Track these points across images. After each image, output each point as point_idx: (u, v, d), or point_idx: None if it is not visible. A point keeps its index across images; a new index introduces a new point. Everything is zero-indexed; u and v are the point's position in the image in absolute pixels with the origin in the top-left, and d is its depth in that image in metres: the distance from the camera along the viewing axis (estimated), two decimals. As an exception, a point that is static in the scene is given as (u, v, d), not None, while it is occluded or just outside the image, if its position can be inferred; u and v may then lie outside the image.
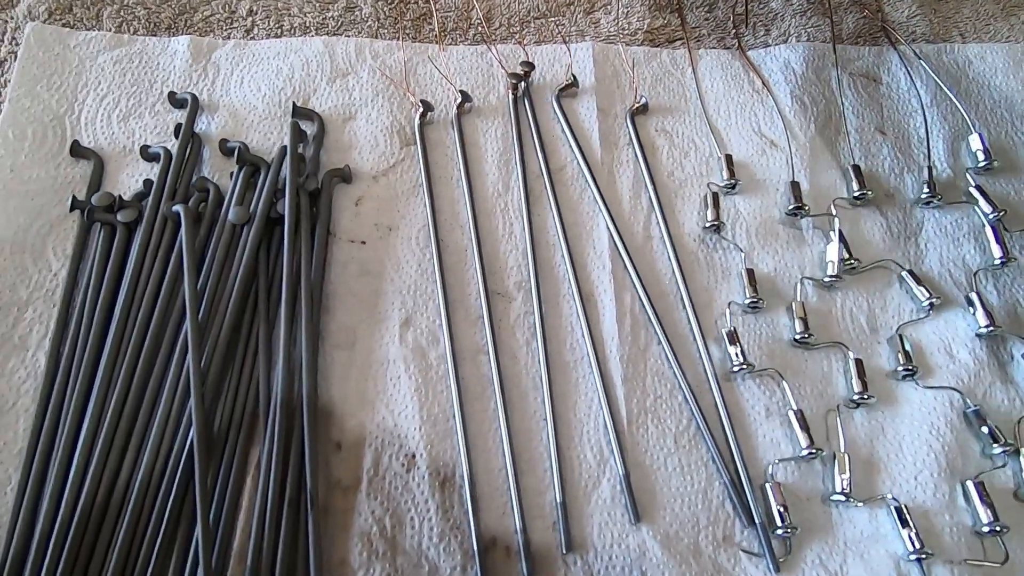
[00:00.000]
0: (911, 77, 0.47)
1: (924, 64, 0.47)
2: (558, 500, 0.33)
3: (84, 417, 0.34)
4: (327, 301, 0.38)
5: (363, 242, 0.40)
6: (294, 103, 0.43)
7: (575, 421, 0.36)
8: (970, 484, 0.33)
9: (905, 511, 0.33)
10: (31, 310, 0.37)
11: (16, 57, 0.44)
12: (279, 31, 0.47)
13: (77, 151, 0.41)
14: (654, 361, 0.37)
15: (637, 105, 0.44)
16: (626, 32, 0.49)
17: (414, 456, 0.35)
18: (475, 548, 0.32)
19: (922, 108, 0.46)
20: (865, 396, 0.36)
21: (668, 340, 0.37)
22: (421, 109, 0.44)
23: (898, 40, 0.48)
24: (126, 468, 0.33)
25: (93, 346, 0.36)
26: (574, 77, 0.45)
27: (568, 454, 0.35)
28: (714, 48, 0.49)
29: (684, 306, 0.39)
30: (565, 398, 0.36)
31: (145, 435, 0.34)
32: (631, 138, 0.44)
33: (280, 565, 0.31)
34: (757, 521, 0.33)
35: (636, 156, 0.44)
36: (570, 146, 0.44)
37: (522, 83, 0.45)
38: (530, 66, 0.45)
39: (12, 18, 0.46)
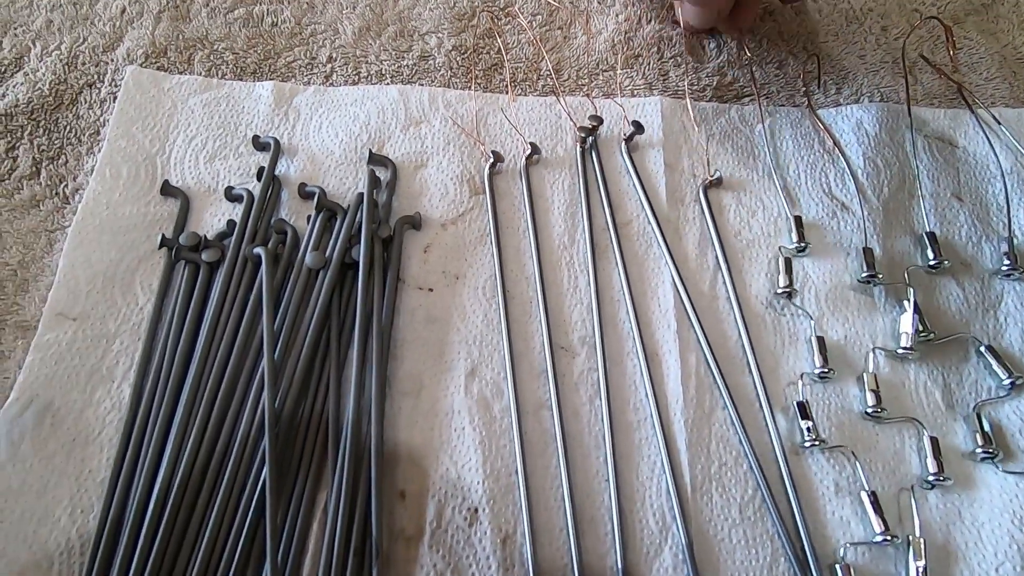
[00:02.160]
0: (990, 142, 0.46)
1: (1004, 129, 0.46)
2: (619, 567, 0.33)
3: (164, 450, 0.35)
4: (395, 348, 0.39)
5: (430, 289, 0.41)
6: (370, 150, 0.45)
7: (637, 484, 0.36)
8: (1056, 581, 0.32)
9: (985, 606, 0.31)
10: (118, 342, 0.39)
11: (115, 98, 0.47)
12: (356, 78, 0.49)
13: (167, 190, 0.43)
14: (719, 426, 0.37)
15: (711, 179, 0.44)
16: (695, 87, 0.49)
17: (476, 510, 0.35)
18: (535, 610, 0.32)
19: (1002, 175, 0.44)
20: (941, 477, 0.35)
21: (735, 406, 0.37)
22: (491, 159, 0.45)
23: (976, 103, 0.47)
24: (201, 502, 0.34)
25: (175, 380, 0.37)
26: (637, 124, 0.46)
27: (630, 518, 0.35)
28: (783, 105, 0.49)
29: (750, 371, 0.38)
30: (627, 459, 0.36)
31: (220, 471, 0.35)
32: (699, 196, 0.44)
33: (345, 614, 0.32)
34: (826, 604, 0.32)
35: (703, 213, 0.44)
36: (639, 200, 0.44)
37: (590, 136, 0.46)
38: (598, 120, 0.46)
39: (112, 60, 0.49)
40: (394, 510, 0.35)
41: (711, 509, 0.35)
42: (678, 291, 0.40)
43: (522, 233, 0.43)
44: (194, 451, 0.35)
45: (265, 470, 0.34)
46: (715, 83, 0.49)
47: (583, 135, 0.45)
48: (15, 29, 0.50)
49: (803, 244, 0.42)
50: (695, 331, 0.39)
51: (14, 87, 0.47)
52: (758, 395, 0.38)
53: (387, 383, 0.38)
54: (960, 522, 0.34)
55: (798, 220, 0.43)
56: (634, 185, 0.44)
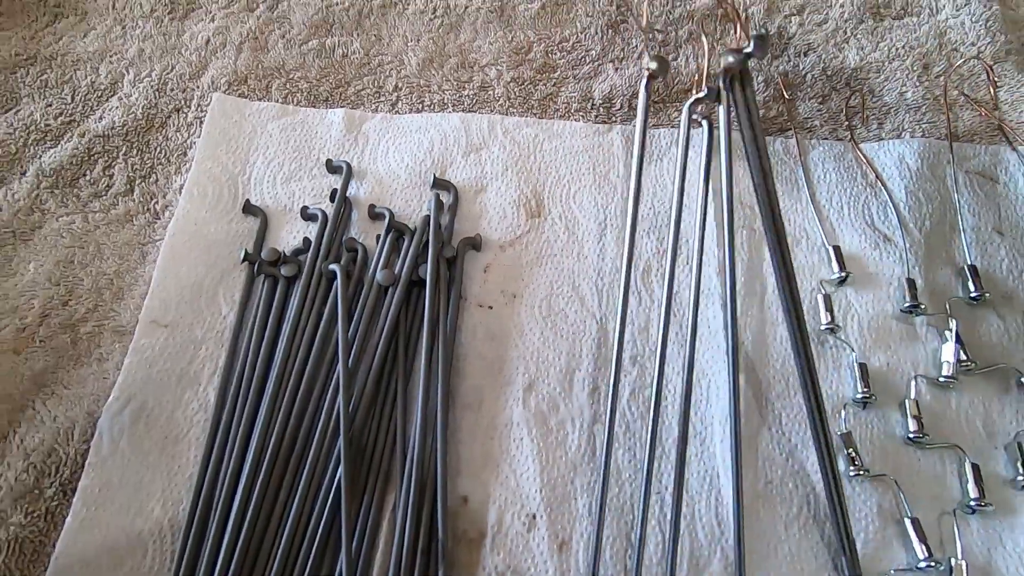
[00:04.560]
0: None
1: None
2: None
3: (247, 449, 0.38)
4: (457, 362, 0.42)
5: (490, 307, 0.44)
6: (434, 174, 0.48)
7: (687, 498, 0.38)
8: (1097, 608, 0.33)
9: (1026, 629, 0.33)
10: (204, 349, 0.42)
11: (201, 122, 0.51)
12: (420, 106, 0.53)
13: (248, 209, 0.47)
14: (765, 446, 0.39)
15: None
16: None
17: (534, 517, 0.37)
18: (591, 614, 0.34)
19: (1043, 211, 0.46)
20: (983, 503, 0.36)
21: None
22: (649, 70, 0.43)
23: (1016, 140, 0.49)
24: (281, 498, 0.37)
25: (256, 384, 0.41)
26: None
27: (681, 530, 0.37)
28: (826, 139, 0.51)
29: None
30: (684, 470, 0.38)
31: (298, 469, 0.38)
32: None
33: (415, 609, 0.34)
34: (870, 621, 0.33)
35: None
36: (691, 225, 0.46)
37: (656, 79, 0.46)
38: (663, 63, 0.45)
39: (198, 87, 0.53)
40: (458, 514, 0.37)
41: (759, 525, 0.37)
42: (726, 315, 0.43)
43: (576, 255, 0.46)
44: (274, 451, 0.38)
45: (340, 469, 0.37)
46: (761, 115, 0.51)
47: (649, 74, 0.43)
48: (110, 57, 0.54)
49: (844, 274, 0.44)
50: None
51: (110, 110, 0.52)
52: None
53: (451, 395, 0.41)
54: (1001, 547, 0.36)
55: (837, 250, 0.44)
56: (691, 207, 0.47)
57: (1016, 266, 0.45)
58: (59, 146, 0.50)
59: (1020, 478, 0.37)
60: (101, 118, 0.51)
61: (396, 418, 0.40)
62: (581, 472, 0.38)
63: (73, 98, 0.52)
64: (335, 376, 0.40)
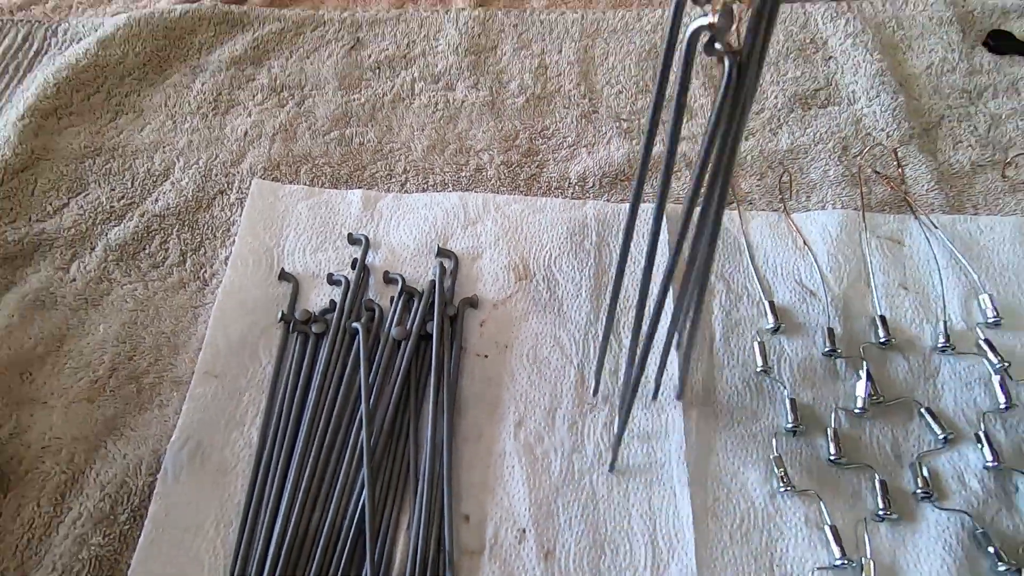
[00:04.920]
0: (929, 243, 0.57)
1: (941, 232, 0.58)
2: (636, 577, 0.43)
3: (286, 478, 0.46)
4: (459, 403, 0.50)
5: (486, 356, 0.53)
6: (438, 245, 0.58)
7: (649, 513, 0.46)
8: (978, 596, 0.41)
9: (922, 613, 0.40)
10: (247, 395, 0.50)
11: (242, 202, 0.61)
12: (425, 187, 0.63)
13: (283, 276, 0.56)
14: (713, 468, 0.47)
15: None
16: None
17: (524, 531, 0.45)
18: (572, 609, 0.42)
19: (939, 269, 0.56)
20: (889, 512, 0.44)
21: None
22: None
23: (918, 210, 0.59)
24: (315, 518, 0.45)
25: (292, 424, 0.49)
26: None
27: (644, 540, 0.45)
28: (764, 210, 0.61)
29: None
30: (641, 492, 0.46)
31: (329, 493, 0.46)
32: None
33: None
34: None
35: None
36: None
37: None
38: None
39: (238, 172, 0.63)
40: (461, 530, 0.45)
41: (706, 534, 0.45)
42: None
43: (556, 311, 0.55)
44: (308, 479, 0.46)
45: (364, 493, 0.45)
46: (709, 192, 0.62)
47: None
48: (164, 148, 0.65)
49: (778, 324, 0.53)
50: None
51: (164, 193, 0.61)
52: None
53: (454, 431, 0.49)
54: (904, 548, 0.44)
55: (772, 304, 0.54)
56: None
57: (918, 316, 0.54)
58: (122, 224, 0.59)
59: (919, 491, 0.45)
60: (157, 200, 0.61)
61: (409, 450, 0.48)
62: (563, 493, 0.46)
63: (133, 183, 0.62)
64: (358, 416, 0.48)
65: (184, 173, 0.63)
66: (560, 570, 0.43)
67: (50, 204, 0.60)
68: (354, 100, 0.68)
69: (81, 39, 0.72)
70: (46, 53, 0.72)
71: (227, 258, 0.57)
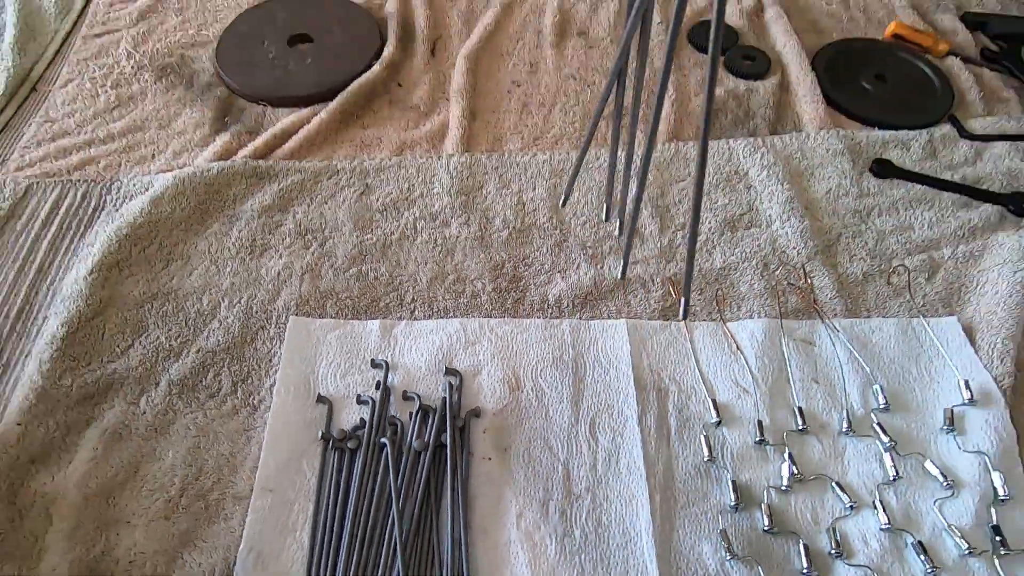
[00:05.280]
0: (834, 343, 0.73)
1: (842, 334, 0.73)
2: (620, 638, 0.55)
3: (335, 573, 0.58)
4: (470, 500, 0.62)
5: (489, 458, 0.65)
6: (446, 365, 0.71)
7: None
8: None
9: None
10: (296, 505, 0.62)
11: (281, 336, 0.73)
12: (431, 314, 0.76)
13: (319, 399, 0.68)
14: (675, 542, 0.60)
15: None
16: (651, 309, 0.76)
17: (530, 606, 0.57)
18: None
19: (840, 365, 0.71)
20: (811, 571, 0.57)
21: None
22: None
23: (824, 316, 0.75)
24: (361, 610, 0.56)
25: (336, 526, 0.60)
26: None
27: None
28: (705, 320, 0.76)
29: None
30: (623, 564, 0.58)
31: (371, 589, 0.57)
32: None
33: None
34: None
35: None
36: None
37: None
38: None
39: (275, 309, 0.76)
40: (479, 609, 0.56)
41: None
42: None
43: (544, 418, 0.68)
44: (353, 573, 0.57)
45: (399, 586, 0.56)
46: (662, 307, 0.77)
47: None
48: (210, 290, 0.77)
49: (719, 419, 0.67)
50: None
51: (213, 331, 0.74)
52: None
53: (468, 525, 0.61)
54: (824, 599, 0.56)
55: (714, 401, 0.68)
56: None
57: (827, 405, 0.69)
58: (180, 361, 0.71)
59: (833, 551, 0.58)
60: (208, 337, 0.73)
61: (434, 542, 0.60)
62: (559, 571, 0.58)
63: (186, 323, 0.74)
64: (391, 516, 0.60)
65: (229, 311, 0.76)
66: (560, 637, 0.55)
67: (118, 346, 0.72)
68: (367, 240, 0.83)
69: (132, 196, 0.86)
70: (103, 209, 0.85)
71: (271, 386, 0.69)
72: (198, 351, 0.72)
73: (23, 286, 0.78)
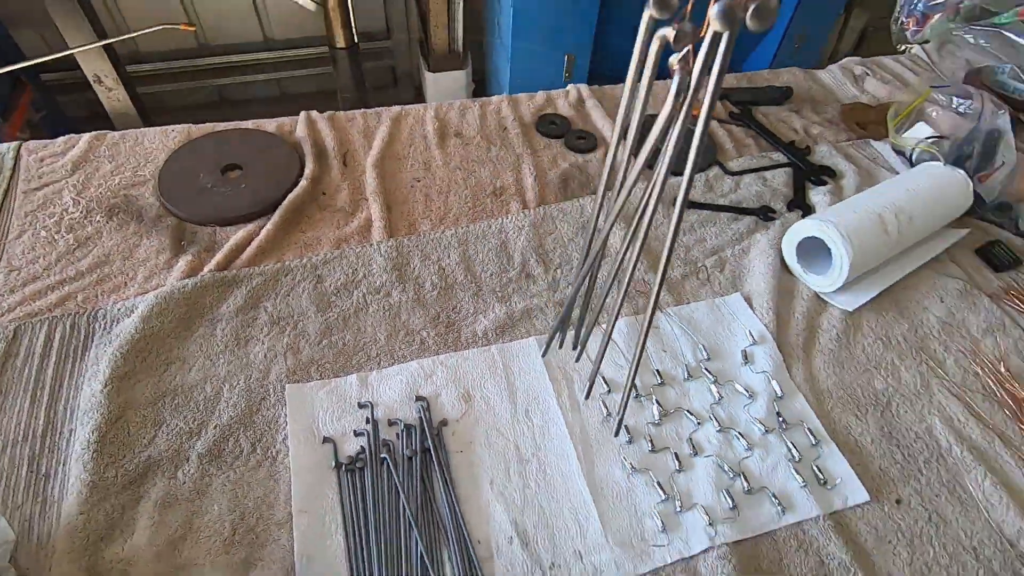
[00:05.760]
0: (671, 325, 1.08)
1: (674, 317, 1.09)
2: None
3: (370, 555, 0.79)
4: (454, 481, 0.87)
5: (461, 451, 0.91)
6: (415, 396, 0.96)
7: (571, 505, 0.85)
8: (724, 492, 0.86)
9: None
10: (327, 517, 0.82)
11: (281, 402, 0.94)
12: (393, 361, 1.01)
13: (324, 440, 0.90)
14: (597, 471, 0.89)
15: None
16: (548, 327, 1.07)
17: (510, 537, 0.82)
18: None
19: (677, 337, 1.06)
20: (681, 468, 0.89)
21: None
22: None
23: (662, 308, 1.11)
24: (397, 570, 0.78)
25: (362, 524, 0.82)
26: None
27: (572, 517, 0.84)
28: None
29: (601, 446, 0.92)
30: (567, 494, 0.86)
31: (397, 557, 0.79)
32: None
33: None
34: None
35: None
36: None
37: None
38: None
39: (270, 382, 0.97)
40: (477, 548, 0.81)
41: (602, 505, 0.85)
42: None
43: (493, 415, 0.95)
44: (385, 552, 0.79)
45: (419, 548, 0.79)
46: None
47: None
48: (211, 379, 0.96)
49: (608, 388, 0.98)
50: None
51: (223, 410, 0.93)
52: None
53: (457, 498, 0.85)
54: (691, 484, 0.88)
55: (604, 377, 1.00)
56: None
57: (673, 364, 1.03)
58: (202, 437, 0.89)
59: (692, 453, 0.91)
60: (220, 415, 0.92)
61: (435, 513, 0.83)
62: (525, 511, 0.84)
63: (199, 409, 0.93)
64: (402, 504, 0.83)
65: (232, 392, 0.95)
66: (533, 549, 0.81)
67: (144, 438, 0.89)
68: (330, 317, 1.06)
69: (119, 319, 1.02)
70: (95, 335, 1.00)
71: (284, 439, 0.90)
72: (215, 427, 0.91)
73: (41, 409, 0.91)
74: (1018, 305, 1.12)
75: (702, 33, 0.37)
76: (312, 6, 2.38)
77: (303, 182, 1.27)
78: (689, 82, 0.40)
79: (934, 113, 1.37)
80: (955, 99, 1.36)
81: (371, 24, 2.89)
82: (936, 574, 0.82)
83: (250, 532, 0.81)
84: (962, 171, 1.19)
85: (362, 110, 1.48)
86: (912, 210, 1.12)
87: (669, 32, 0.37)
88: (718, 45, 0.35)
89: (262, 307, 1.07)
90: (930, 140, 1.32)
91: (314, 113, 1.45)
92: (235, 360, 0.99)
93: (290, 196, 1.24)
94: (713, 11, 0.33)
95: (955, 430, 0.96)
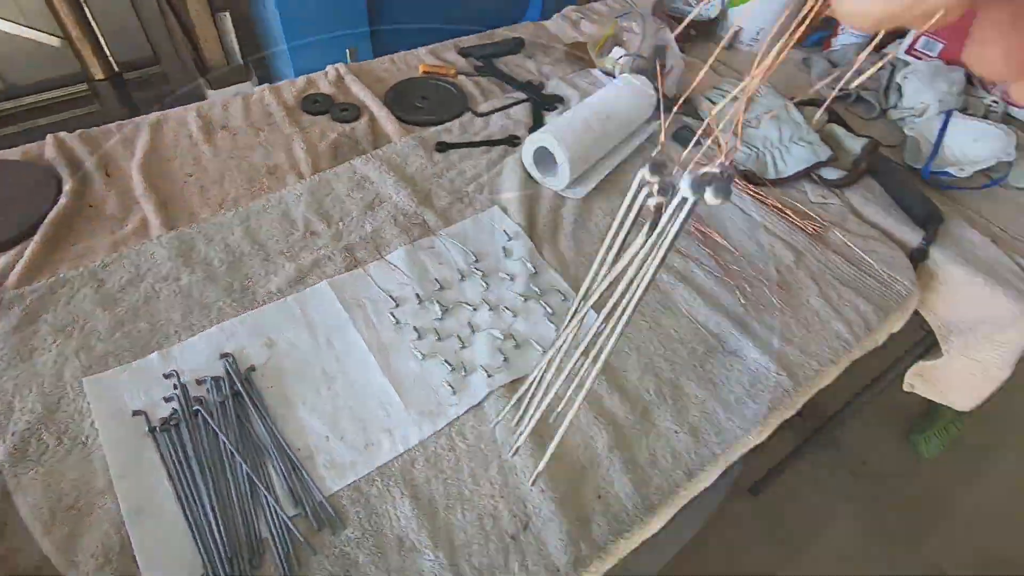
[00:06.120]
0: (444, 244, 1.27)
1: (446, 238, 1.28)
2: None
3: (205, 492, 0.87)
4: (270, 410, 0.98)
5: (272, 386, 1.01)
6: (220, 354, 1.04)
7: (368, 387, 1.00)
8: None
9: (483, 368, 1.05)
10: (152, 473, 0.89)
11: (78, 395, 0.97)
12: (192, 333, 1.08)
13: (135, 413, 0.95)
14: (392, 365, 1.05)
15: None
16: (338, 270, 1.21)
17: (327, 436, 0.95)
18: None
19: (450, 251, 1.25)
20: (464, 345, 1.08)
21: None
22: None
23: (435, 232, 1.29)
24: (228, 493, 0.87)
25: (188, 471, 0.89)
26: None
27: (375, 402, 0.99)
28: (376, 260, 1.23)
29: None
30: (372, 395, 1.01)
31: (227, 484, 0.88)
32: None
33: None
34: (444, 394, 1.01)
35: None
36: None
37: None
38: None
39: (64, 382, 0.99)
40: (302, 458, 0.93)
41: (398, 386, 1.02)
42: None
43: (297, 358, 1.07)
44: (214, 483, 0.88)
45: (246, 468, 0.89)
46: (347, 265, 1.22)
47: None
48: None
49: (397, 304, 1.15)
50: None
51: (18, 419, 0.94)
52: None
53: (274, 421, 0.96)
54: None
55: (391, 295, 1.16)
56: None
57: (451, 272, 1.22)
58: (4, 440, 0.90)
59: (470, 339, 1.11)
60: (16, 423, 0.93)
61: (256, 443, 0.94)
62: (338, 417, 0.98)
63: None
64: (222, 444, 0.92)
65: (25, 401, 0.96)
66: (349, 439, 0.95)
67: (-68, 465, 0.88)
68: (119, 312, 1.09)
69: None
70: None
71: (92, 423, 0.94)
72: (13, 434, 0.92)
73: None
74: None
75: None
76: (55, 40, 2.23)
77: (63, 199, 1.26)
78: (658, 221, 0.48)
79: (625, 37, 1.71)
80: (635, 24, 1.70)
81: (133, 52, 2.74)
82: (657, 362, 1.10)
83: (71, 508, 0.85)
84: (643, 76, 1.52)
85: (117, 122, 1.47)
86: (608, 111, 1.41)
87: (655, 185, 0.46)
88: (683, 207, 0.45)
89: (41, 320, 1.07)
90: (621, 58, 1.65)
91: (62, 134, 1.42)
92: (22, 373, 1.00)
93: (51, 214, 1.23)
94: (683, 182, 0.43)
95: (666, 264, 1.27)
